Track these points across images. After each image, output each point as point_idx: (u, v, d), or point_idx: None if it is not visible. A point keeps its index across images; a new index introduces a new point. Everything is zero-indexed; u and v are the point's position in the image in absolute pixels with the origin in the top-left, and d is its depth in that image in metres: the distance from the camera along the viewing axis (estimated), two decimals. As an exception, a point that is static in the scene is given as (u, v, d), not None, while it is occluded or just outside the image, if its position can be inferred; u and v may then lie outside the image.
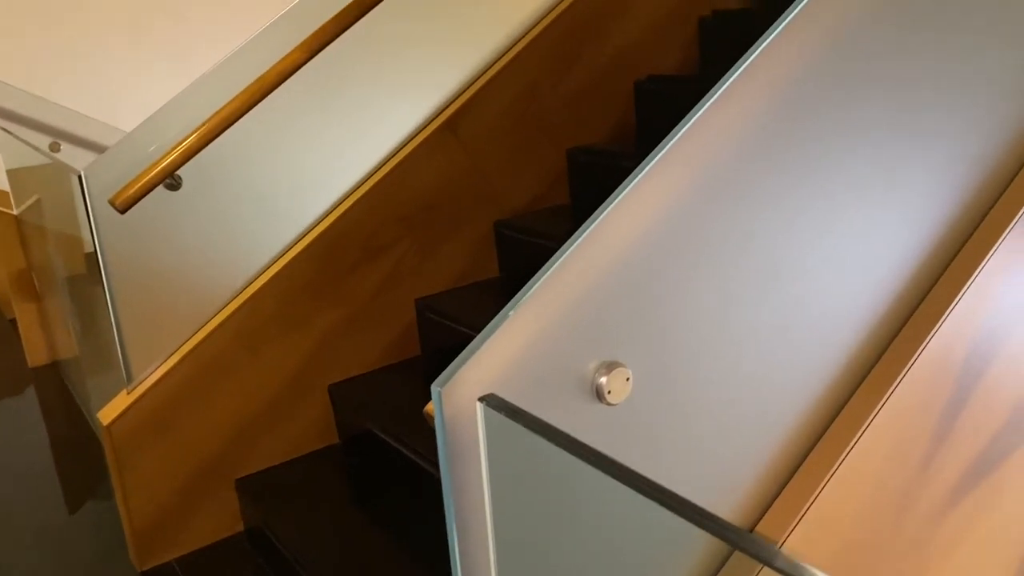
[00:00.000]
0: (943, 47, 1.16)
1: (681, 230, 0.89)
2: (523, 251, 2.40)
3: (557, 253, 0.81)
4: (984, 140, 1.22)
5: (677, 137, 0.85)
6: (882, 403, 1.06)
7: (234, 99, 1.94)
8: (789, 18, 0.99)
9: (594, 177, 2.49)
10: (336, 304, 2.20)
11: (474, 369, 0.72)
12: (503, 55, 2.45)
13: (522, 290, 0.79)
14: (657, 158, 0.84)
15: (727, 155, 0.97)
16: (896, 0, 1.12)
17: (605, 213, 0.82)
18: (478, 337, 0.75)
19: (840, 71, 1.08)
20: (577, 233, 0.81)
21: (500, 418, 0.68)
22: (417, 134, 2.28)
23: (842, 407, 1.06)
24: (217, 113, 1.92)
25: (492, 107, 2.40)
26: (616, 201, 0.83)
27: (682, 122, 0.95)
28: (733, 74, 0.97)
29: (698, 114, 0.87)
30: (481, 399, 0.70)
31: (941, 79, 1.17)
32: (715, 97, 0.91)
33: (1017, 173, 1.26)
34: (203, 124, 1.91)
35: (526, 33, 2.49)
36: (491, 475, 0.70)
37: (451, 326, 2.18)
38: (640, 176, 0.84)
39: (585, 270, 0.82)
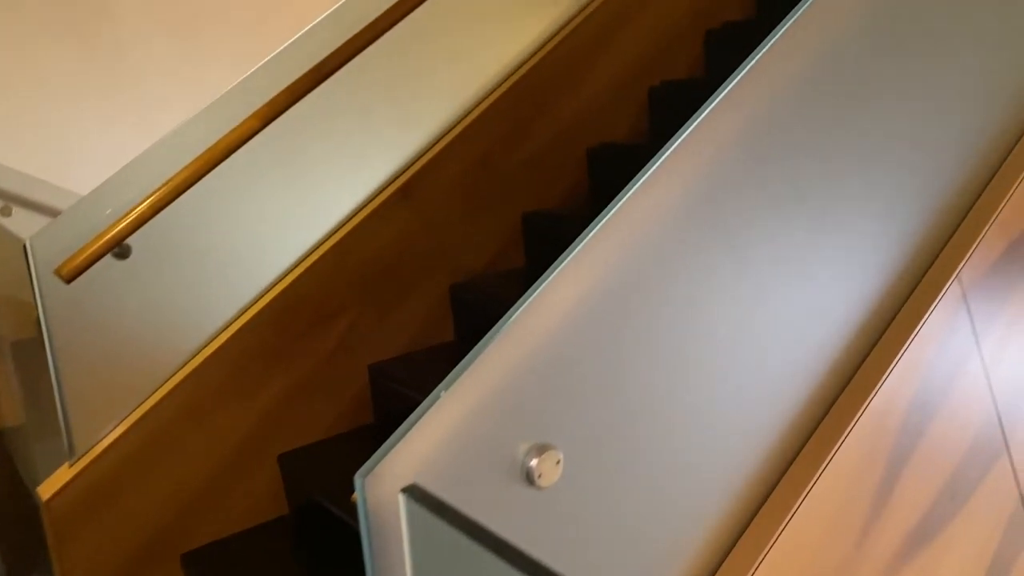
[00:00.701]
0: (868, 127, 1.20)
1: (612, 308, 0.90)
2: (478, 314, 2.40)
3: (486, 337, 0.81)
4: (913, 214, 1.26)
5: (605, 220, 0.87)
6: (818, 475, 1.08)
7: (186, 167, 1.94)
8: (718, 99, 1.03)
9: (548, 241, 2.52)
10: (287, 371, 2.18)
11: (399, 457, 0.72)
12: (458, 122, 2.49)
13: (451, 374, 0.79)
14: (584, 241, 0.86)
15: (658, 232, 0.99)
16: (819, 82, 1.16)
17: (532, 297, 0.83)
18: (405, 422, 0.75)
19: (774, 143, 1.12)
20: (505, 317, 0.81)
21: (423, 511, 0.67)
22: (371, 200, 2.30)
23: (780, 479, 1.07)
24: (168, 182, 1.92)
25: (447, 173, 2.42)
26: (545, 283, 0.84)
27: (613, 202, 0.98)
28: (663, 154, 1.00)
29: (625, 197, 0.89)
30: (404, 490, 0.70)
31: (868, 154, 1.21)
32: (643, 179, 0.93)
33: (945, 243, 1.30)
34: (153, 193, 1.90)
35: (480, 101, 2.54)
36: (415, 570, 0.69)
37: (404, 392, 2.16)
38: (569, 258, 0.86)
39: (515, 351, 0.82)
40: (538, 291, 0.84)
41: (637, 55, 2.83)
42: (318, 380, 2.23)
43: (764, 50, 1.10)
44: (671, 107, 2.82)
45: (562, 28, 2.71)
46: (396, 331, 2.36)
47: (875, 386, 1.15)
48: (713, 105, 1.03)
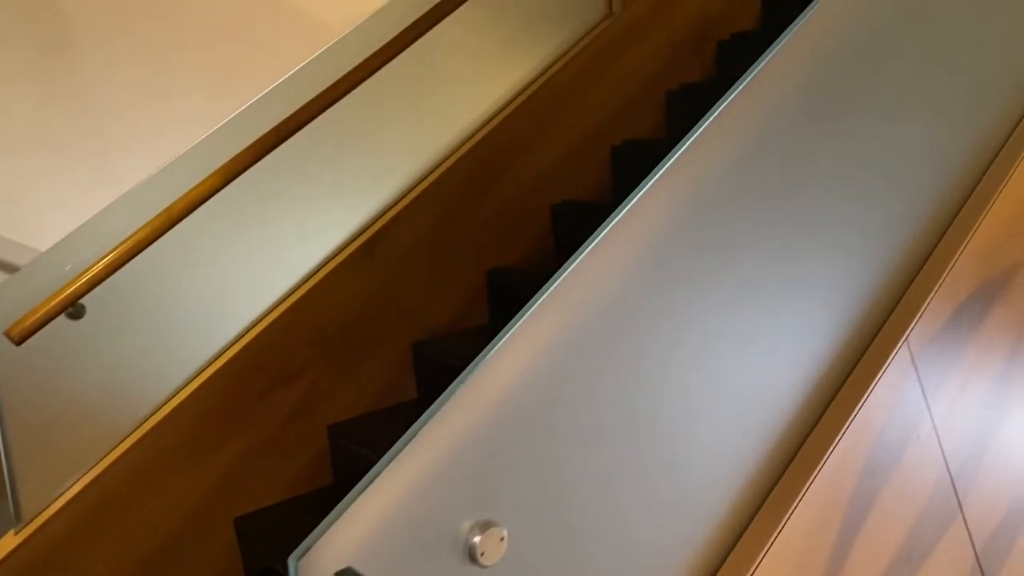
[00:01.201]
0: (815, 195, 1.23)
1: (554, 382, 0.90)
2: (441, 373, 2.39)
3: (428, 411, 0.81)
4: (861, 281, 1.28)
5: (544, 296, 0.87)
6: (769, 544, 1.07)
7: (144, 226, 1.93)
8: (659, 173, 1.05)
9: (513, 297, 2.52)
10: (244, 432, 2.14)
11: (335, 537, 0.71)
12: (423, 179, 2.51)
13: (392, 449, 0.78)
14: (523, 319, 0.86)
15: (606, 300, 1.00)
16: (768, 151, 1.19)
17: (475, 369, 0.82)
18: (343, 501, 0.74)
19: (722, 212, 1.14)
20: (447, 392, 0.81)
21: (357, 595, 0.66)
22: (334, 257, 2.29)
23: (728, 554, 1.06)
24: (126, 240, 1.90)
25: (411, 229, 2.43)
26: (487, 356, 0.84)
27: (547, 284, 0.98)
28: (599, 234, 1.01)
29: (557, 282, 0.90)
30: (338, 574, 0.68)
31: (816, 221, 1.24)
32: (580, 258, 0.94)
33: (893, 308, 1.32)
34: (110, 252, 1.89)
35: (446, 158, 2.56)
36: (347, 657, 0.68)
37: (363, 453, 2.13)
38: (511, 331, 0.86)
39: (457, 424, 0.82)
40: (480, 363, 0.84)
41: (600, 114, 2.88)
42: (276, 441, 2.20)
43: (712, 117, 1.13)
44: (633, 166, 2.86)
45: (527, 87, 2.75)
46: (357, 390, 2.34)
47: (826, 451, 1.15)
48: (653, 181, 1.06)
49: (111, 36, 4.01)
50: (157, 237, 1.93)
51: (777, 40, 1.27)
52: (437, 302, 2.50)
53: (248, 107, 2.11)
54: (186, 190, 1.93)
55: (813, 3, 1.32)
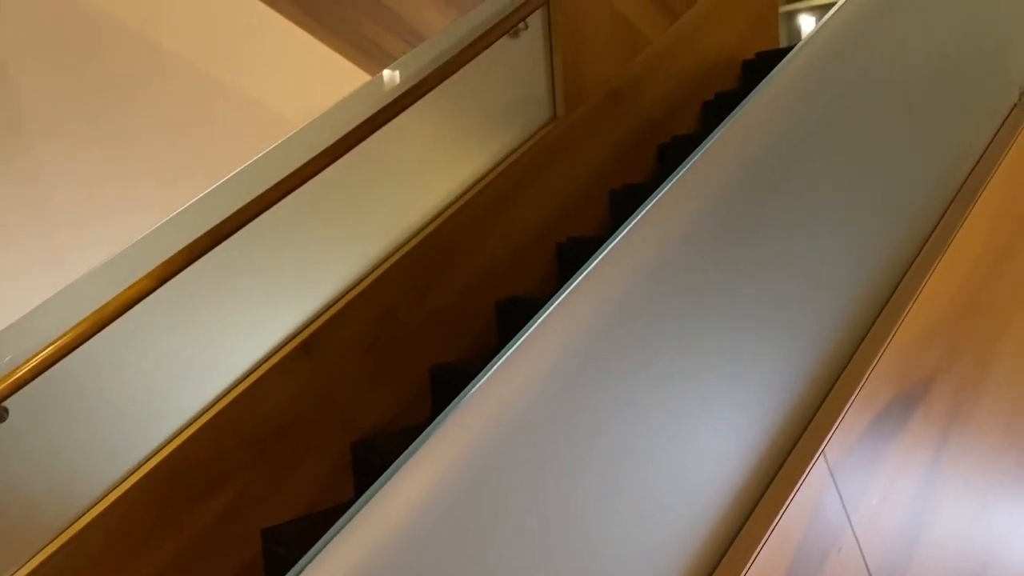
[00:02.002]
0: (726, 307, 1.26)
1: (486, 474, 0.90)
2: (380, 473, 2.34)
3: (342, 519, 0.81)
4: (777, 393, 1.30)
5: (476, 388, 0.88)
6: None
7: (73, 328, 1.91)
8: (593, 264, 1.08)
9: (455, 396, 2.50)
10: (173, 538, 2.07)
11: None
12: (366, 276, 2.51)
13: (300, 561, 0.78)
14: (442, 425, 0.86)
15: (523, 408, 1.01)
16: (682, 264, 1.22)
17: (403, 463, 0.83)
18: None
19: (635, 333, 1.15)
20: (357, 505, 0.81)
21: None
22: (270, 357, 2.27)
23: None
24: (53, 343, 1.87)
25: (351, 327, 2.42)
26: (399, 469, 0.85)
27: (472, 385, 0.99)
28: (516, 343, 1.03)
29: (486, 377, 0.90)
30: None
31: (730, 334, 1.26)
32: (507, 357, 0.95)
33: (809, 421, 1.34)
34: (36, 354, 1.85)
35: (390, 255, 2.58)
36: None
37: (296, 558, 2.07)
38: (442, 424, 0.87)
39: (388, 519, 0.82)
40: (409, 457, 0.85)
41: (546, 212, 2.94)
42: (207, 547, 2.12)
43: (639, 217, 1.17)
44: (578, 262, 2.90)
45: (473, 185, 2.81)
46: (293, 492, 2.28)
47: (743, 568, 1.14)
48: (579, 281, 1.08)
49: (64, 121, 4.03)
50: (86, 340, 1.90)
51: (701, 145, 1.33)
52: (377, 401, 2.48)
53: (184, 209, 2.11)
54: (117, 292, 1.91)
55: (735, 112, 1.39)
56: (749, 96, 1.34)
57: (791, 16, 7.24)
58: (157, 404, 2.12)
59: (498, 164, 2.88)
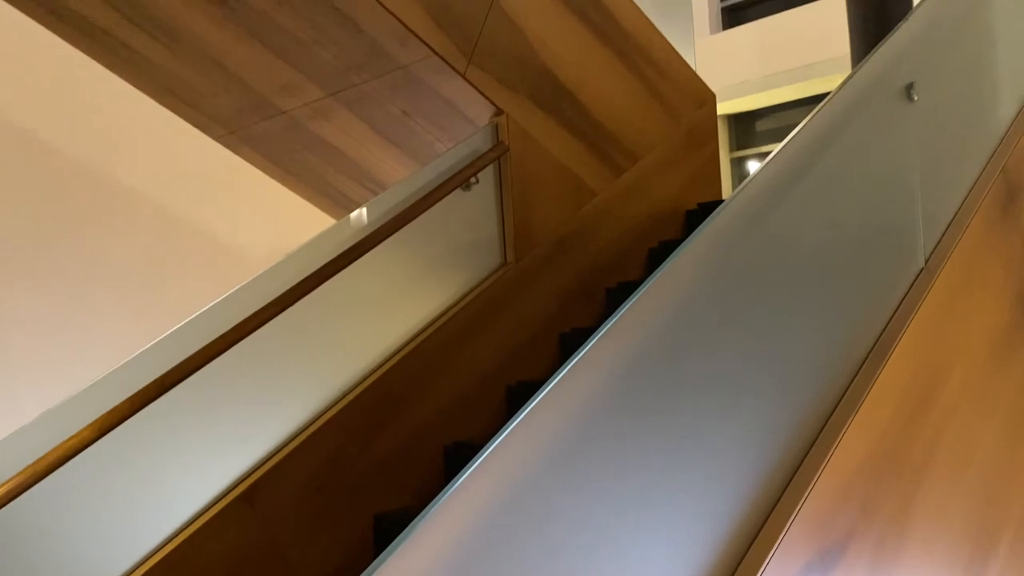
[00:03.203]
0: (648, 475, 1.30)
1: None
2: (319, 628, 2.29)
3: None
4: (687, 564, 1.33)
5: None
6: None
7: (10, 479, 1.90)
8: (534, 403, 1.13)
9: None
10: None
11: None
12: (312, 422, 2.53)
13: None
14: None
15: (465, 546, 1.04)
16: (622, 402, 1.28)
17: None
18: None
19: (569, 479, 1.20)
20: None
21: None
22: (209, 508, 2.25)
23: None
24: (-14, 495, 1.85)
25: (295, 476, 2.42)
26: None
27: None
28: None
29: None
30: None
31: (647, 503, 1.30)
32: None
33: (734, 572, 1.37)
34: (-33, 508, 1.83)
35: (336, 401, 2.61)
36: None
37: None
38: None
39: None
40: None
41: (495, 357, 3.01)
42: None
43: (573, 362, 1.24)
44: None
45: (423, 330, 2.88)
46: (227, 649, 2.22)
47: None
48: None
49: (23, 261, 4.08)
50: (24, 490, 1.89)
51: (615, 312, 1.41)
52: (321, 550, 2.45)
53: (130, 360, 2.15)
54: (55, 445, 1.92)
55: (653, 275, 1.48)
56: (657, 271, 1.44)
57: (741, 161, 7.64)
58: (94, 554, 2.08)
59: (449, 309, 2.96)
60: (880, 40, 1.95)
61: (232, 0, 2.87)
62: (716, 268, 1.55)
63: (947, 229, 2.00)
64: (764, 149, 7.43)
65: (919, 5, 2.00)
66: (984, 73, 2.35)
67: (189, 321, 2.37)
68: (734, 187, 7.46)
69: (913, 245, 1.92)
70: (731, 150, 7.62)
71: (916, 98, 1.91)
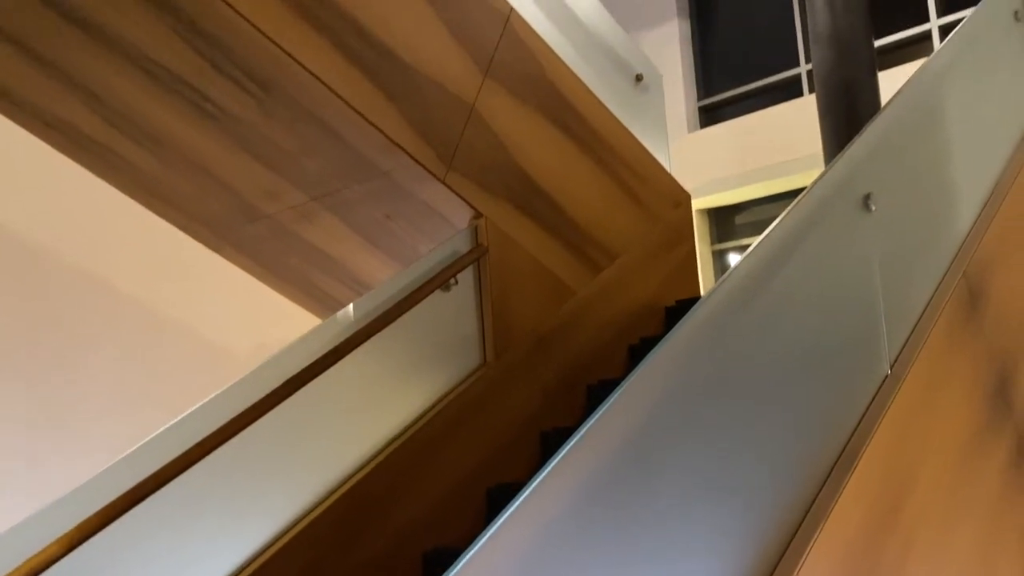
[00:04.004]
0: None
1: None
2: None
3: None
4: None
5: None
6: None
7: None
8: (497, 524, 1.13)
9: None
10: None
11: None
12: (287, 531, 2.50)
13: None
14: None
15: None
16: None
17: None
18: None
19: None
20: None
21: None
22: (180, 623, 2.20)
23: None
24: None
25: (271, 586, 2.38)
26: None
27: None
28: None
29: None
30: None
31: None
32: None
33: None
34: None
35: (313, 508, 2.58)
36: None
37: None
38: None
39: None
40: None
41: (475, 458, 2.99)
42: None
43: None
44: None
45: (401, 434, 2.87)
46: None
47: None
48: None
49: (10, 354, 4.07)
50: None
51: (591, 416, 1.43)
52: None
53: (100, 474, 2.14)
54: (21, 561, 1.89)
55: (627, 380, 1.50)
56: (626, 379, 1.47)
57: (722, 254, 7.76)
58: None
59: (428, 410, 2.96)
60: (850, 139, 2.03)
61: (219, 112, 2.97)
62: (682, 379, 1.58)
63: (911, 335, 2.04)
64: (744, 242, 7.56)
65: (873, 119, 2.09)
66: (942, 180, 2.44)
67: (162, 431, 2.37)
68: (716, 280, 7.56)
69: (877, 352, 1.95)
70: (712, 243, 7.75)
71: (874, 208, 1.98)
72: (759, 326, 1.74)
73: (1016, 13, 2.99)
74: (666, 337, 1.56)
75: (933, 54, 2.47)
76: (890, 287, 2.00)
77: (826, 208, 1.89)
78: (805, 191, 1.84)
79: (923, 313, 2.09)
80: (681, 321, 1.60)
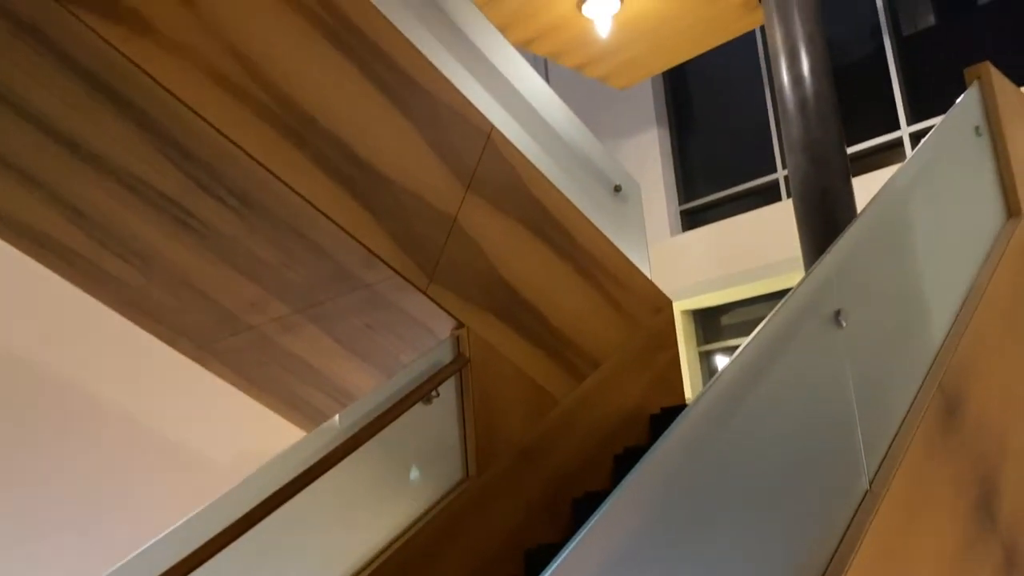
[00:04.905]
0: None
1: None
2: None
3: None
4: None
5: None
6: None
7: None
8: None
9: None
10: None
11: None
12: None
13: None
14: None
15: None
16: None
17: None
18: None
19: None
20: None
21: None
22: None
23: None
24: None
25: None
26: None
27: None
28: None
29: None
30: None
31: None
32: None
33: None
34: None
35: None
36: None
37: None
38: None
39: None
40: None
41: (460, 573, 2.91)
42: None
43: None
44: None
45: (381, 552, 2.80)
46: None
47: None
48: None
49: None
50: None
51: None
52: None
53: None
54: None
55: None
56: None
57: (709, 355, 7.78)
58: None
59: (409, 528, 2.90)
60: (828, 245, 2.08)
61: (204, 228, 3.02)
62: (660, 503, 1.57)
63: (889, 449, 2.03)
64: (730, 343, 7.60)
65: (841, 235, 2.14)
66: (913, 291, 2.48)
67: (139, 553, 2.31)
68: (704, 382, 7.56)
69: (856, 467, 1.94)
70: (698, 344, 7.77)
71: (845, 324, 2.00)
72: (734, 446, 1.73)
73: (976, 128, 3.10)
74: (642, 460, 1.55)
75: (898, 170, 2.55)
76: (865, 402, 2.00)
77: (797, 326, 1.92)
78: (776, 309, 1.86)
79: (900, 427, 2.09)
80: (657, 442, 1.60)
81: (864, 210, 2.30)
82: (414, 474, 3.03)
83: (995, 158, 3.14)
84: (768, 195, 7.67)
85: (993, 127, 3.15)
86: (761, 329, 1.81)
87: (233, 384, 4.00)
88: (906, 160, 2.63)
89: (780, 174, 7.58)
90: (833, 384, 1.96)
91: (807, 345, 1.93)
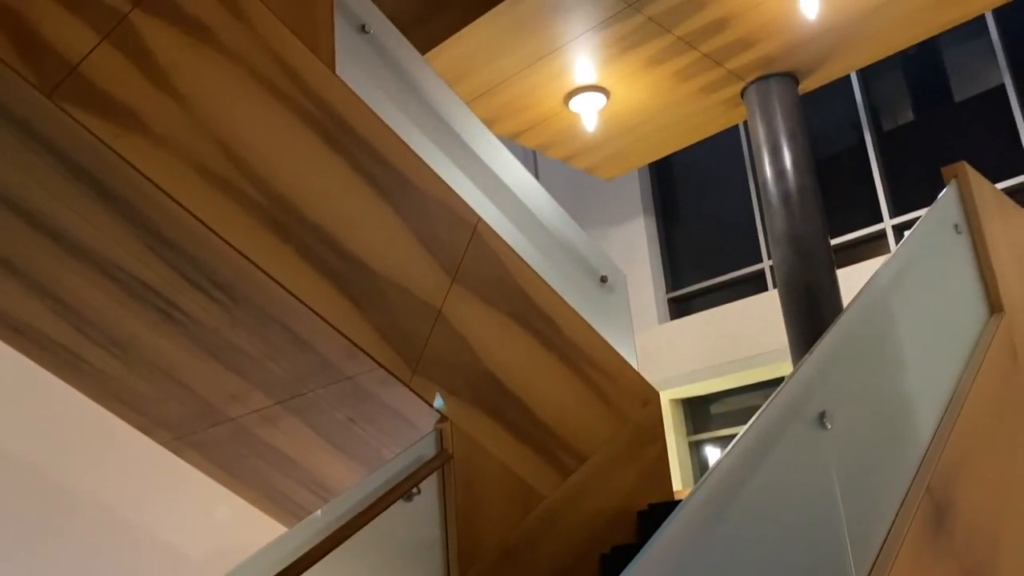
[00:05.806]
0: None
1: None
2: None
3: None
4: None
5: None
6: None
7: None
8: None
9: None
10: None
11: None
12: None
13: None
14: None
15: None
16: None
17: None
18: None
19: None
20: None
21: None
22: None
23: None
24: None
25: None
26: None
27: None
28: None
29: None
30: None
31: None
32: None
33: None
34: None
35: None
36: None
37: None
38: None
39: None
40: None
41: None
42: None
43: None
44: None
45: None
46: None
47: None
48: None
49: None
50: None
51: None
52: None
53: None
54: None
55: None
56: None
57: (699, 445, 7.69)
58: None
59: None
60: (814, 338, 2.06)
61: (186, 319, 3.00)
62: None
63: (878, 555, 1.98)
64: (720, 433, 7.52)
65: (823, 337, 2.14)
66: (898, 390, 2.47)
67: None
68: (693, 472, 7.45)
69: (844, 573, 1.89)
70: (688, 434, 7.69)
71: (829, 426, 1.98)
72: (720, 554, 1.68)
73: (956, 226, 3.15)
74: (625, 572, 1.50)
75: (879, 268, 2.56)
76: (852, 506, 1.96)
77: (781, 429, 1.89)
78: (759, 412, 1.84)
79: (889, 533, 2.04)
80: (640, 552, 1.55)
81: (846, 309, 2.30)
82: None
83: (975, 255, 3.18)
84: (755, 283, 7.73)
85: (972, 225, 3.19)
86: (744, 433, 1.78)
87: (210, 475, 3.91)
88: (888, 258, 2.65)
89: (766, 263, 7.65)
90: (819, 488, 1.92)
91: (791, 449, 1.90)
